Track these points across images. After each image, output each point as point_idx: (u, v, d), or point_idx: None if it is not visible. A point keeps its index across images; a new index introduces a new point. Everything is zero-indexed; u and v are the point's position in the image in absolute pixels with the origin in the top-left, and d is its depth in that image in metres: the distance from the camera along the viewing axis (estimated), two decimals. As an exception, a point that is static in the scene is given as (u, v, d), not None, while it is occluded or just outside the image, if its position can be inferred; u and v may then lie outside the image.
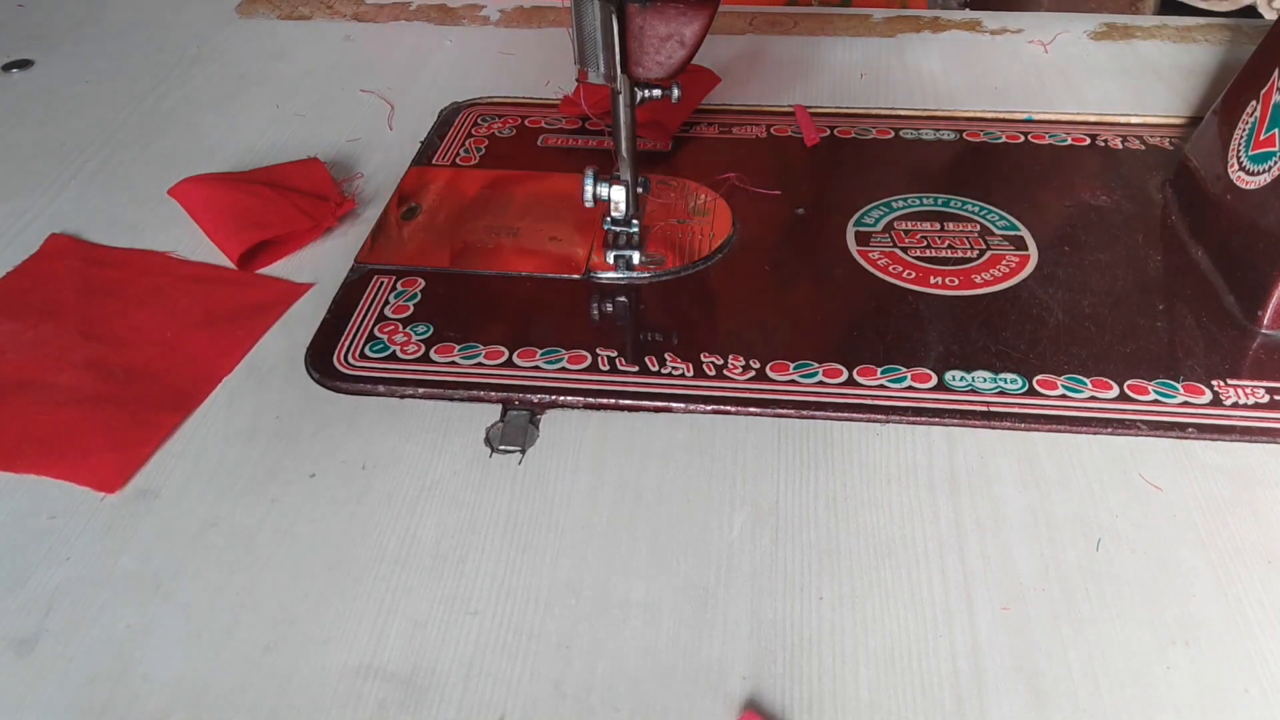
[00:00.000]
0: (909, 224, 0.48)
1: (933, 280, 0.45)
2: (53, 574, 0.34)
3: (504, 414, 0.39)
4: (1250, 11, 0.72)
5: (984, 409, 0.39)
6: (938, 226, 0.48)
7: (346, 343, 0.42)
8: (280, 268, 0.47)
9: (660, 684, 0.31)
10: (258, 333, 0.43)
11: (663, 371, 0.41)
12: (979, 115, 0.56)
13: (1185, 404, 0.39)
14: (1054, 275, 0.45)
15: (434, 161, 0.54)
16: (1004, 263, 0.46)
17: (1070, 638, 0.32)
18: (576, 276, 0.46)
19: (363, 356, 0.42)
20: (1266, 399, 0.39)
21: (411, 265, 0.47)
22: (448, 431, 0.39)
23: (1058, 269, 0.45)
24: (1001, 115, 0.56)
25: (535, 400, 0.40)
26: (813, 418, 0.39)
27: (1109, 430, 0.38)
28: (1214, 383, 0.40)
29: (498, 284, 0.46)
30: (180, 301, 0.45)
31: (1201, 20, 0.66)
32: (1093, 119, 0.56)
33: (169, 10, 0.70)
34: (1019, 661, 0.31)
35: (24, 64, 0.64)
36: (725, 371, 0.41)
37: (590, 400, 0.40)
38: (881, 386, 0.40)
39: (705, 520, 0.35)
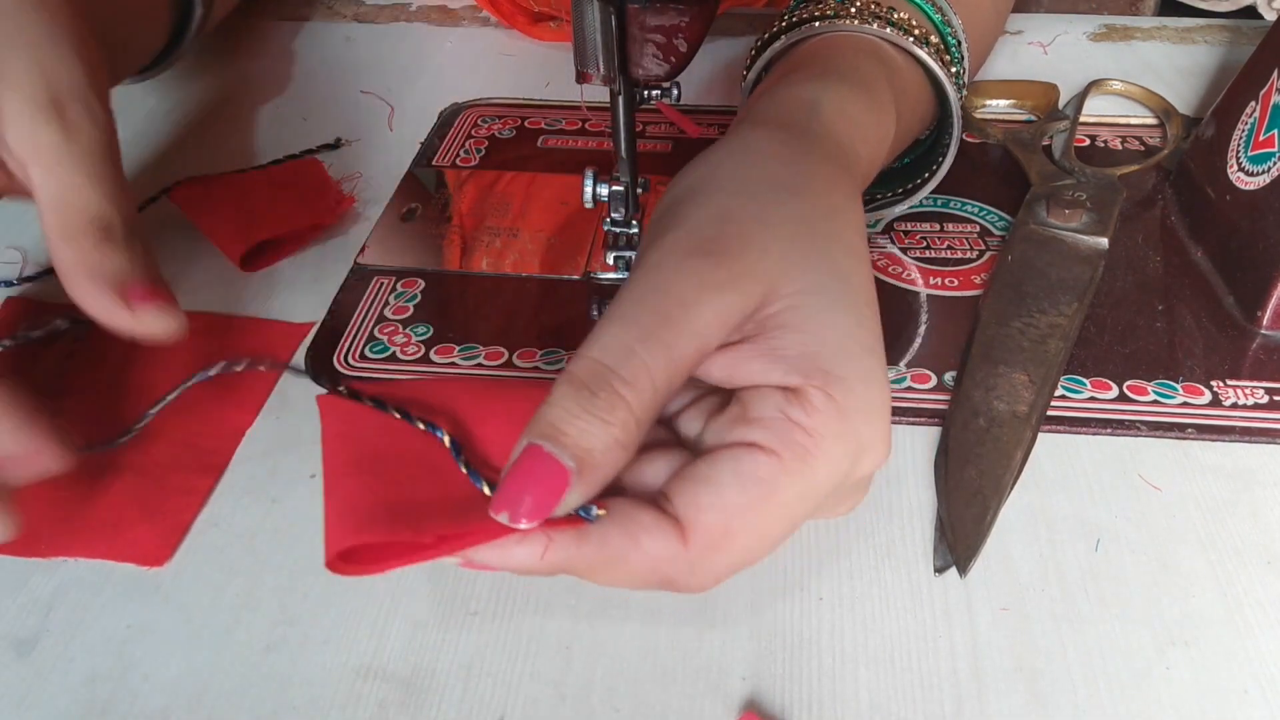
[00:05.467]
0: (909, 224, 0.48)
1: (933, 280, 0.45)
2: (53, 574, 0.34)
3: (504, 414, 0.39)
4: (1250, 12, 0.72)
5: (984, 409, 0.39)
6: (938, 227, 0.48)
7: (346, 344, 0.42)
8: (281, 268, 0.47)
9: (660, 684, 0.31)
10: (270, 380, 0.41)
11: (663, 372, 0.41)
12: (980, 117, 0.56)
13: (1185, 404, 0.39)
14: (1054, 276, 0.45)
15: (434, 162, 0.54)
16: (1004, 263, 0.46)
17: (1070, 638, 0.32)
18: (576, 277, 0.46)
19: (362, 357, 0.42)
20: (1266, 399, 0.39)
21: (411, 266, 0.47)
22: (448, 432, 0.39)
23: (1057, 269, 0.45)
24: (1001, 116, 0.56)
25: (535, 401, 0.40)
26: (813, 418, 0.39)
27: (1108, 431, 0.38)
28: (1213, 383, 0.40)
29: (498, 284, 0.46)
30: (181, 357, 0.40)
31: (1201, 21, 0.66)
32: (1092, 120, 0.56)
33: (169, 11, 0.70)
34: (1019, 661, 0.31)
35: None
36: (725, 372, 0.41)
37: (590, 400, 0.40)
38: (881, 387, 0.40)
39: (705, 520, 0.35)
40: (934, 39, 0.42)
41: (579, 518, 0.26)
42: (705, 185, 0.31)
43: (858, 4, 0.41)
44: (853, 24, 0.40)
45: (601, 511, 0.26)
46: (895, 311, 0.43)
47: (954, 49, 0.44)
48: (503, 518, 0.25)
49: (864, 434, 0.28)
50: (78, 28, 0.36)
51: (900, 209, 0.47)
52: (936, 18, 0.43)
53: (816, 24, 0.41)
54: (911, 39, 0.41)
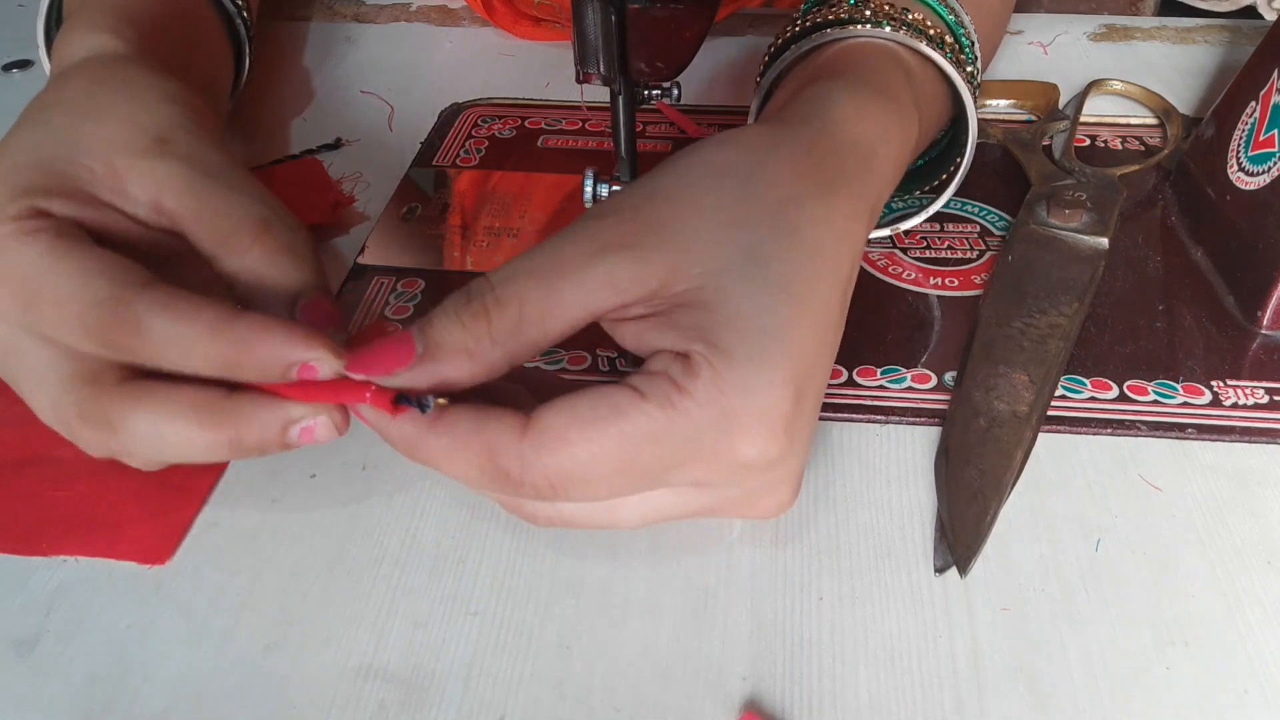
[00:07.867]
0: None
1: (933, 280, 0.45)
2: (53, 574, 0.34)
3: (504, 414, 0.39)
4: (1250, 12, 0.72)
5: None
6: (938, 227, 0.48)
7: (346, 343, 0.42)
8: (280, 268, 0.47)
9: (660, 684, 0.31)
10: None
11: (663, 372, 0.41)
12: (980, 116, 0.56)
13: (1185, 404, 0.39)
14: (1054, 276, 0.45)
15: (434, 162, 0.54)
16: (1004, 263, 0.46)
17: (1070, 638, 0.32)
18: (576, 277, 0.46)
19: (363, 357, 0.42)
20: (1266, 400, 0.39)
21: (411, 266, 0.47)
22: (448, 432, 0.39)
23: (1057, 269, 0.45)
24: (1001, 116, 0.56)
25: (535, 400, 0.40)
26: (813, 418, 0.39)
27: (1109, 431, 0.38)
28: (1213, 383, 0.40)
29: (498, 284, 0.46)
30: None
31: (1201, 21, 0.66)
32: (1092, 120, 0.56)
33: (169, 11, 0.70)
34: (1019, 662, 0.31)
35: (24, 64, 0.64)
36: (725, 372, 0.41)
37: (590, 400, 0.40)
38: (881, 387, 0.40)
39: (705, 521, 0.35)
40: (948, 39, 0.42)
41: (414, 407, 0.29)
42: (663, 166, 0.32)
43: (871, 6, 0.41)
44: (866, 29, 0.40)
45: (442, 400, 0.29)
46: (895, 311, 0.44)
47: (968, 48, 0.43)
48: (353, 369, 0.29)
49: (737, 411, 0.28)
50: (164, 85, 0.36)
51: (919, 219, 0.47)
52: (950, 18, 0.43)
53: (829, 30, 0.41)
54: (925, 41, 0.40)
